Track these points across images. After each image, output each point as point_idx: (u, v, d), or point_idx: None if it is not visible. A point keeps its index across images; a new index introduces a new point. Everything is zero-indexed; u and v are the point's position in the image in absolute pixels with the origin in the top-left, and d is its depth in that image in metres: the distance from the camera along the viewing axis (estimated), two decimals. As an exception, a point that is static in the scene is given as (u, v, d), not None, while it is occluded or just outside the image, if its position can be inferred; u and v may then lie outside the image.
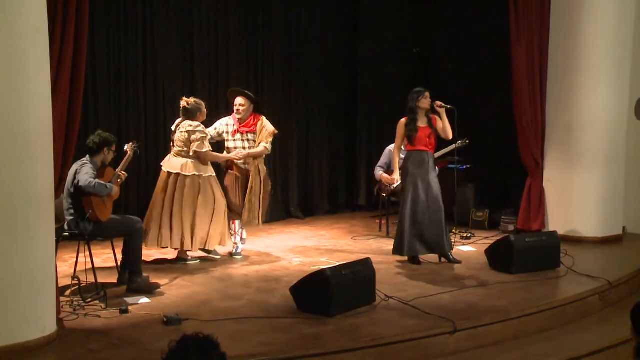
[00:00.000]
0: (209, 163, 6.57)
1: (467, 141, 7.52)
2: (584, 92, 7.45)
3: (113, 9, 7.72)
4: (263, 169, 6.86)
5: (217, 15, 8.52)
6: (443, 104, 6.49)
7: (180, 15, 8.22)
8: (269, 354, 4.17)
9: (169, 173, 6.44)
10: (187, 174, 6.39)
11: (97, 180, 5.38)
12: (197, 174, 6.41)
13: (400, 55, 10.15)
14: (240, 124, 6.76)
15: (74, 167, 5.43)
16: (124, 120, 7.90)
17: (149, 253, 6.67)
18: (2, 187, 4.02)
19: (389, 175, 7.91)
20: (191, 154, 6.40)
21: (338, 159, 9.92)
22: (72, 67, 4.56)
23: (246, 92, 6.87)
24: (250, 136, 6.75)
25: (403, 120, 6.53)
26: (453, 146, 7.63)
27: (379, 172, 8.01)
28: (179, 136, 6.49)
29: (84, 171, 5.39)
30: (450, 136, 6.60)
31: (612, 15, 7.40)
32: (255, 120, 6.77)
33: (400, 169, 6.63)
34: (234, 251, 6.86)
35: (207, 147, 6.45)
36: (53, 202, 4.38)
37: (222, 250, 6.81)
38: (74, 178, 5.38)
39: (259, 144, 6.75)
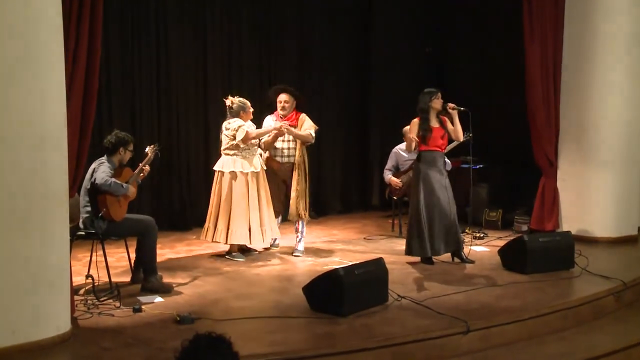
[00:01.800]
0: (255, 159, 6.67)
1: (471, 135, 7.51)
2: (598, 91, 7.40)
3: (126, 9, 7.76)
4: (306, 162, 6.98)
5: (230, 16, 8.54)
6: (456, 106, 6.46)
7: (193, 15, 8.25)
8: (281, 354, 4.17)
9: (214, 171, 6.69)
10: (225, 170, 6.56)
11: (113, 179, 5.41)
12: (234, 170, 6.55)
13: (412, 55, 10.13)
14: (282, 119, 6.88)
15: (93, 165, 5.49)
16: (138, 121, 7.94)
17: (162, 252, 6.70)
18: (17, 187, 4.05)
19: (397, 177, 7.92)
20: (241, 145, 6.55)
21: (350, 158, 9.91)
22: (86, 68, 4.59)
23: (290, 88, 7.02)
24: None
25: (416, 120, 6.50)
26: (456, 142, 7.61)
27: (388, 176, 8.02)
28: (222, 137, 6.66)
29: (101, 169, 5.43)
30: (462, 138, 6.62)
31: (627, 12, 7.34)
32: (297, 116, 6.94)
33: (411, 170, 6.61)
34: (272, 242, 7.13)
35: (244, 133, 6.52)
36: (67, 202, 4.40)
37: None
38: (92, 176, 5.42)
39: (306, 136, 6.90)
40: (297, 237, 7.00)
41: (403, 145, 8.02)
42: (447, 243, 6.39)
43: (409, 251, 6.49)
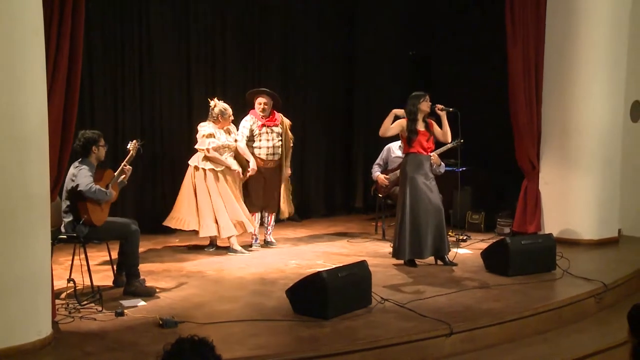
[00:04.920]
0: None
1: (462, 140, 7.55)
2: (580, 95, 7.47)
3: (109, 10, 7.72)
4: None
5: (214, 15, 8.51)
6: (444, 107, 6.49)
7: (176, 14, 8.22)
8: (265, 357, 4.17)
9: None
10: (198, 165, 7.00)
11: (97, 187, 5.35)
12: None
13: (397, 57, 10.16)
14: (265, 119, 7.16)
15: (71, 169, 5.41)
16: (121, 122, 7.88)
17: (145, 255, 6.66)
18: (-2, 189, 4.01)
19: (386, 175, 7.89)
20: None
21: (334, 161, 9.91)
22: (68, 70, 4.55)
23: (268, 90, 7.28)
24: (275, 129, 7.21)
25: (403, 120, 6.52)
26: (448, 146, 7.63)
27: (376, 173, 7.97)
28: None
29: (82, 174, 5.35)
30: (450, 140, 6.66)
31: (607, 18, 7.41)
32: (277, 115, 7.26)
33: (397, 172, 6.65)
34: (253, 242, 7.27)
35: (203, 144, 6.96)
36: (49, 205, 4.37)
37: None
38: (72, 181, 5.36)
39: (289, 140, 7.41)
40: (268, 230, 7.42)
41: (397, 143, 7.79)
42: (432, 246, 6.40)
43: (396, 254, 6.49)
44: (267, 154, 7.21)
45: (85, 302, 5.06)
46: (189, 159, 7.10)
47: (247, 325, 4.73)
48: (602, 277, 5.89)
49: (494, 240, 6.71)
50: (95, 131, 5.70)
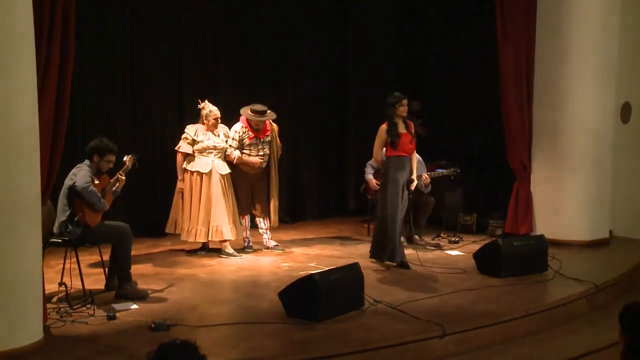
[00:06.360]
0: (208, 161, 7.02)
1: (459, 170, 7.66)
2: (570, 97, 7.50)
3: (101, 13, 7.70)
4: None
5: (205, 21, 8.51)
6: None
7: (168, 20, 8.21)
8: (257, 360, 4.16)
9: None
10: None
11: (94, 188, 5.35)
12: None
13: (388, 60, 10.18)
14: (259, 132, 7.19)
15: (73, 169, 5.45)
16: (112, 127, 7.85)
17: (137, 259, 6.64)
18: (-12, 193, 3.99)
19: (377, 180, 7.90)
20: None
21: (327, 164, 9.91)
22: (58, 73, 4.54)
23: (267, 114, 7.18)
24: (265, 139, 7.25)
25: (384, 126, 6.55)
26: (443, 172, 7.68)
27: (369, 175, 7.98)
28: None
29: (81, 174, 5.37)
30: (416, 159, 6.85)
31: (598, 20, 7.45)
32: (266, 125, 7.27)
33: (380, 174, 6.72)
34: (245, 244, 7.25)
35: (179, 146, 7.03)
36: (40, 209, 4.35)
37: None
38: (70, 179, 5.36)
39: (278, 149, 7.40)
40: (268, 234, 7.36)
41: None
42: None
43: (388, 257, 6.48)
44: (257, 157, 7.20)
45: (76, 306, 5.04)
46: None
47: (239, 328, 4.73)
48: (593, 278, 5.92)
49: (486, 242, 6.73)
50: (110, 144, 5.55)
